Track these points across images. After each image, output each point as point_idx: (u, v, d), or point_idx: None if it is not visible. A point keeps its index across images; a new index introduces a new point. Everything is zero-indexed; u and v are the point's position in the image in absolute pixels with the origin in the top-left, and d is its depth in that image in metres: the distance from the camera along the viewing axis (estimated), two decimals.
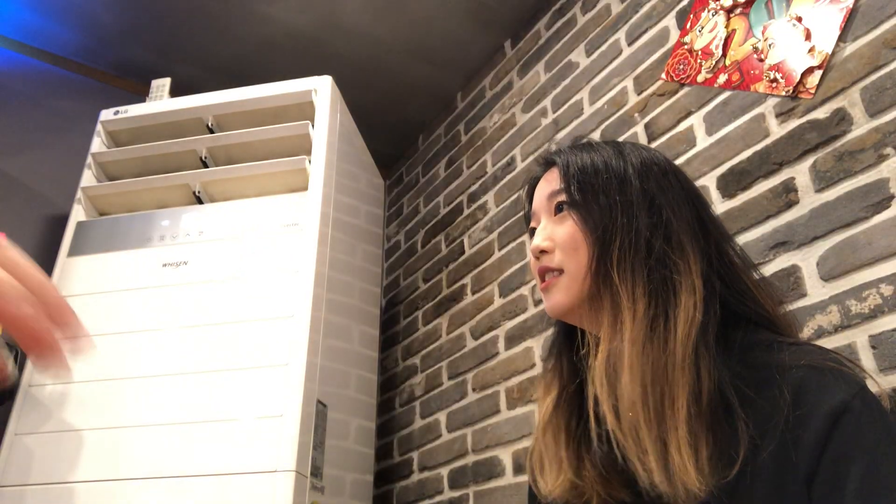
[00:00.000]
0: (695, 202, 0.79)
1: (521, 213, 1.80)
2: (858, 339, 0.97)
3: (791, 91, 1.16)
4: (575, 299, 0.76)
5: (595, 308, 0.74)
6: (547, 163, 0.87)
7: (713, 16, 1.36)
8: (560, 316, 0.79)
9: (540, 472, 0.80)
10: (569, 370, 0.82)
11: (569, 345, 0.84)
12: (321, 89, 1.76)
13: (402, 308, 2.24)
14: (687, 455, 0.61)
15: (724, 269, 0.74)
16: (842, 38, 1.11)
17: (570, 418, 0.80)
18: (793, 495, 0.59)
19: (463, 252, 2.01)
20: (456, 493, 1.70)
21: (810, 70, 1.14)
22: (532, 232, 0.85)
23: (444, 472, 1.77)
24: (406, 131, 2.48)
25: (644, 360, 0.66)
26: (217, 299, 1.48)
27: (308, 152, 1.67)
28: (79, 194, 1.71)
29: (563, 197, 0.80)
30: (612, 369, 0.69)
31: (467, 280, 1.94)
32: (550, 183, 0.83)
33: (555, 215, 0.81)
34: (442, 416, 1.85)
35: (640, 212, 0.74)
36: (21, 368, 1.46)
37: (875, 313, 0.96)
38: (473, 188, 2.05)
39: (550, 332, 0.89)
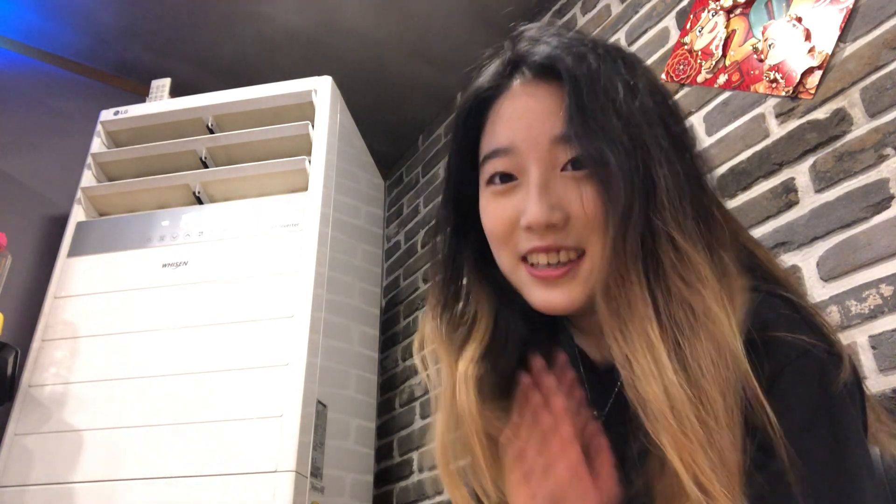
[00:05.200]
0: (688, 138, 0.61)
1: None
2: (858, 339, 0.97)
3: (791, 91, 1.16)
4: (591, 291, 0.56)
5: (613, 300, 0.54)
6: (541, 68, 0.59)
7: (713, 16, 1.36)
8: (565, 313, 0.60)
9: (481, 477, 0.60)
10: (523, 332, 0.65)
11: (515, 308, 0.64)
12: (321, 89, 1.76)
13: (402, 308, 2.24)
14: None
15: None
16: (842, 39, 1.11)
17: (502, 396, 0.62)
18: None
19: None
20: None
21: (810, 70, 1.14)
22: (501, 178, 0.60)
23: None
24: (406, 131, 2.48)
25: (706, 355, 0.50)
26: (217, 299, 1.48)
27: (308, 152, 1.67)
28: (79, 194, 1.71)
29: (580, 149, 0.55)
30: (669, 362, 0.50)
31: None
32: (554, 116, 0.57)
33: (565, 171, 0.57)
34: None
35: (680, 165, 0.56)
36: (21, 368, 1.46)
37: (875, 313, 0.96)
38: None
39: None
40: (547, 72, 0.59)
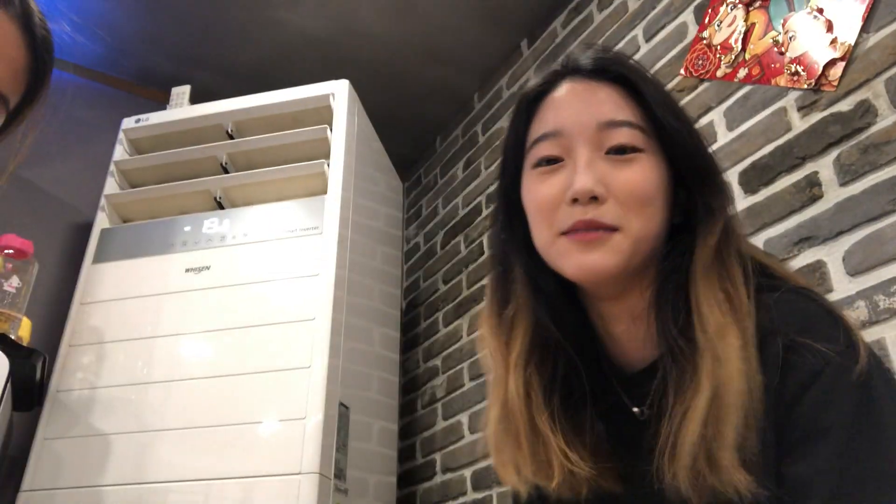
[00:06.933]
0: None
1: None
2: (887, 334, 0.95)
3: (813, 84, 1.14)
4: (625, 265, 0.59)
5: (641, 281, 0.62)
6: (592, 70, 0.65)
7: (732, 10, 1.35)
8: (595, 281, 0.62)
9: (524, 467, 0.64)
10: (556, 336, 0.65)
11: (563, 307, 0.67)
12: (339, 93, 1.76)
13: (422, 310, 2.24)
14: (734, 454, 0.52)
15: None
16: (865, 29, 1.09)
17: (550, 396, 0.64)
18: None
19: (482, 253, 2.00)
20: (479, 495, 1.70)
21: (833, 62, 1.12)
22: (547, 161, 0.63)
23: (468, 473, 1.77)
24: (423, 133, 2.48)
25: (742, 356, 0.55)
26: (239, 303, 1.49)
27: (327, 156, 1.67)
28: (102, 202, 1.73)
29: (636, 139, 0.61)
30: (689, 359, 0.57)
31: (487, 280, 1.94)
32: (607, 105, 0.62)
33: (610, 154, 0.61)
34: (464, 418, 1.85)
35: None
36: (49, 374, 1.49)
37: None
38: (492, 189, 2.05)
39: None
40: (598, 73, 0.64)
